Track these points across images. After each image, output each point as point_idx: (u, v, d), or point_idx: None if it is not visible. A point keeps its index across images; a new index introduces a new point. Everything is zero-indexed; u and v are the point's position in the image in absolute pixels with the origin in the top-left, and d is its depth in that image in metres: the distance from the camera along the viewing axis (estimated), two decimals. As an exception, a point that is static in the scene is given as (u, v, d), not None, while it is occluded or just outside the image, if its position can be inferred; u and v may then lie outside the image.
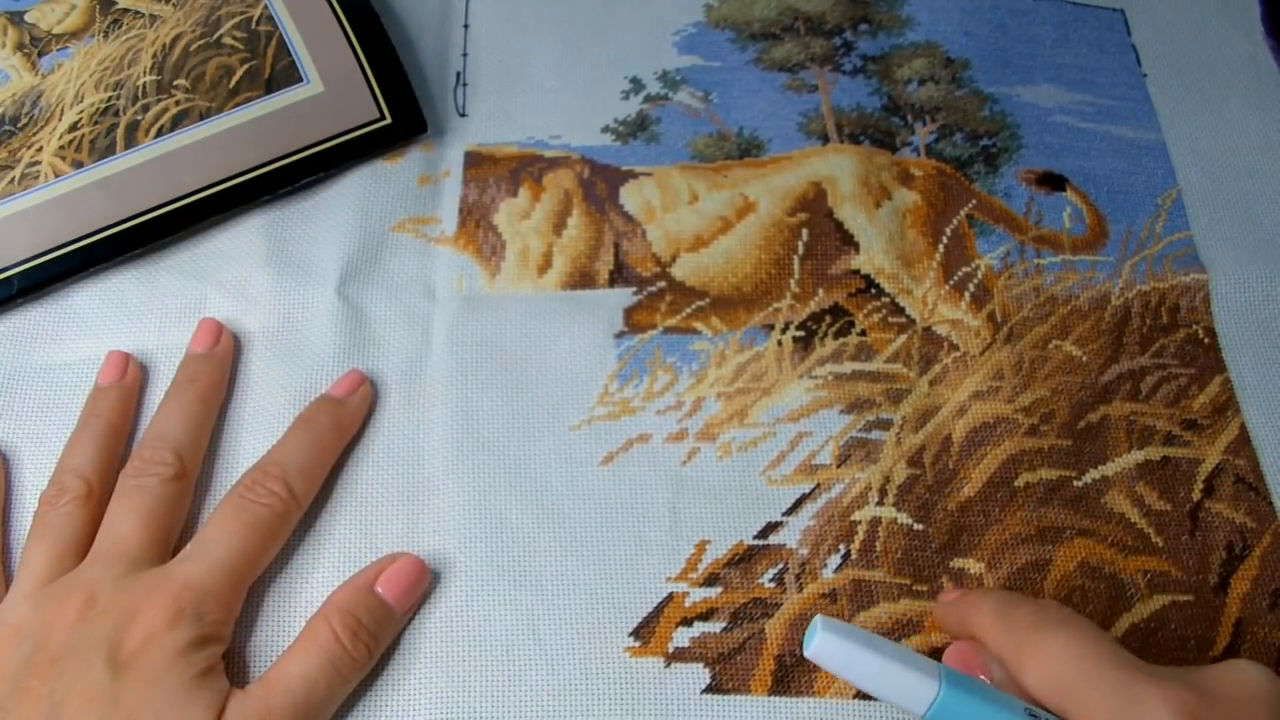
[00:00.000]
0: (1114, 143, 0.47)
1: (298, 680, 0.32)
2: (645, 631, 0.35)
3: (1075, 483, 0.39)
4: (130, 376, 0.39)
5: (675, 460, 0.39)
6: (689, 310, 0.42)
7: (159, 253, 0.43)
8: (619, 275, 0.43)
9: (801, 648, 0.32)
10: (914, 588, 0.37)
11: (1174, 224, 0.45)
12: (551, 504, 0.38)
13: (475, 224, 0.44)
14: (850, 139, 0.47)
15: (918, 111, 0.48)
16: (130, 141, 0.42)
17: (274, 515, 0.35)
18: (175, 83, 0.44)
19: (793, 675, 0.35)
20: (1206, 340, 0.42)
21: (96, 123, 0.43)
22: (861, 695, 0.34)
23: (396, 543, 0.37)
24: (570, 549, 0.37)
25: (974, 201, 0.45)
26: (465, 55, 0.49)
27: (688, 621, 0.36)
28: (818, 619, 0.30)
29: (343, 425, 0.38)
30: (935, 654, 0.35)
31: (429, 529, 0.37)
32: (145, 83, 0.44)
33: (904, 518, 0.38)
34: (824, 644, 0.30)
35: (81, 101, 0.43)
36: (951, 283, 0.43)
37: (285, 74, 0.44)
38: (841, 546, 0.37)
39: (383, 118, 0.44)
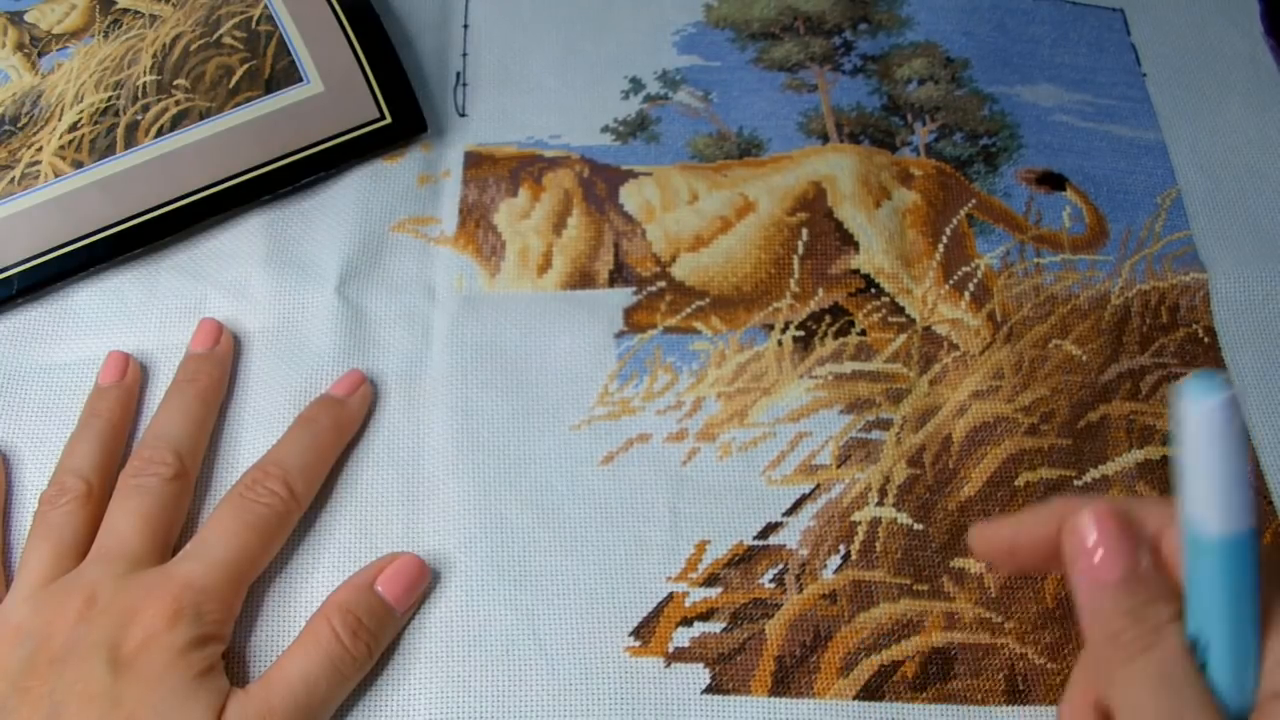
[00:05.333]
0: (1114, 142, 0.47)
1: (298, 679, 0.32)
2: (645, 631, 0.35)
3: (1075, 482, 0.39)
4: (130, 376, 0.39)
5: (675, 460, 0.39)
6: (689, 310, 0.42)
7: (159, 253, 0.43)
8: (619, 275, 0.43)
9: (1183, 400, 0.26)
10: (914, 588, 0.37)
11: (1174, 223, 0.45)
12: (551, 504, 0.38)
13: (475, 224, 0.44)
14: (850, 139, 0.47)
15: (917, 111, 0.48)
16: (130, 141, 0.42)
17: (274, 515, 0.35)
18: (175, 83, 0.44)
19: (793, 676, 0.35)
20: (1206, 340, 0.42)
21: (96, 123, 0.43)
22: (861, 696, 0.34)
23: (396, 543, 0.37)
24: (570, 549, 0.37)
25: (974, 201, 0.45)
26: (465, 55, 0.49)
27: (688, 621, 0.36)
28: (1215, 375, 0.26)
29: (343, 425, 0.38)
30: (934, 655, 0.35)
31: (429, 529, 0.37)
32: (145, 83, 0.44)
33: (904, 518, 0.38)
34: (1230, 410, 0.26)
35: (81, 101, 0.43)
36: (951, 282, 0.43)
37: (285, 74, 0.44)
38: (841, 547, 0.37)
39: (383, 118, 0.44)
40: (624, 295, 0.42)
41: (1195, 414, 0.26)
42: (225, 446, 0.38)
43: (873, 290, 0.43)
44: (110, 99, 0.43)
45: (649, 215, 0.44)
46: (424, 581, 0.35)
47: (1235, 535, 0.26)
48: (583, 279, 0.43)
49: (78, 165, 0.42)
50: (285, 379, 0.40)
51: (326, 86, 0.44)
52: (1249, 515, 0.26)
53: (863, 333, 0.42)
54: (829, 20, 0.50)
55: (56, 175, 0.42)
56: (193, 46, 0.45)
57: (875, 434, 0.39)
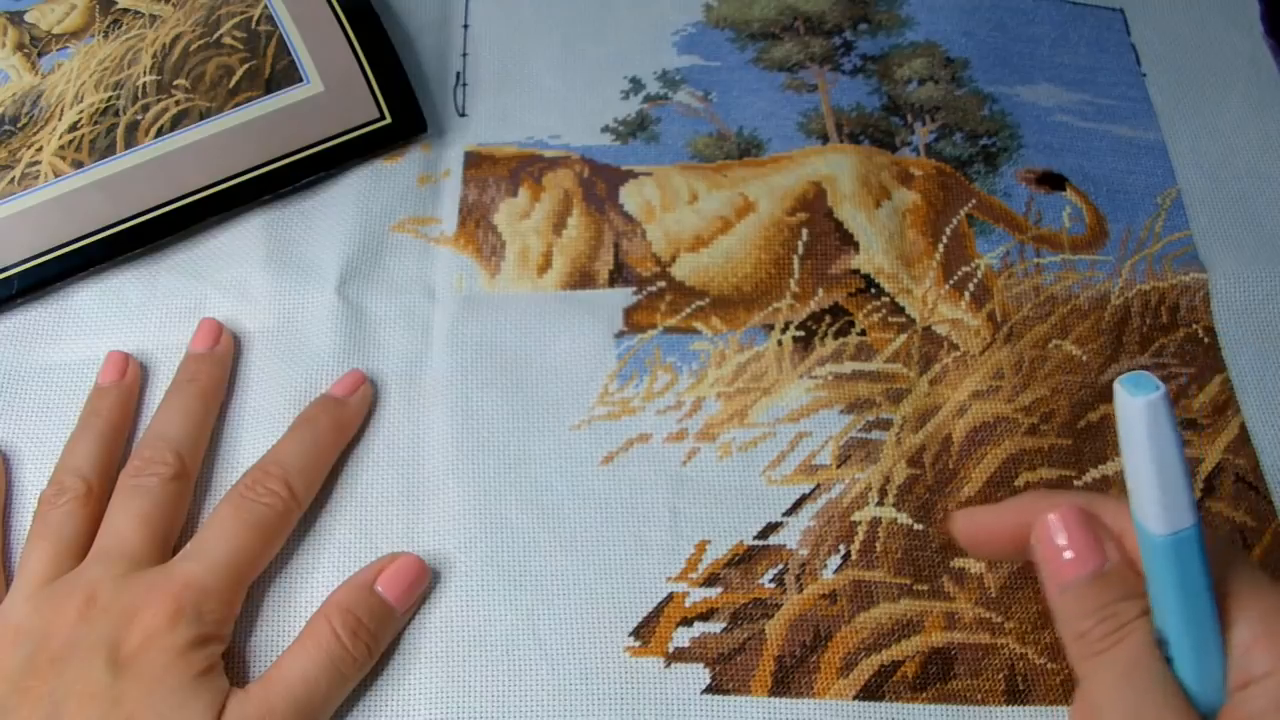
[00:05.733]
0: (1114, 142, 0.47)
1: (298, 679, 0.32)
2: (645, 631, 0.35)
3: (1076, 482, 0.39)
4: (130, 376, 0.39)
5: (675, 460, 0.39)
6: (689, 310, 0.42)
7: (159, 253, 0.43)
8: (619, 275, 0.43)
9: (1119, 394, 0.27)
10: (914, 588, 0.37)
11: (1174, 223, 0.45)
12: (551, 504, 0.38)
13: (475, 224, 0.44)
14: (850, 139, 0.47)
15: (917, 111, 0.48)
16: (130, 141, 0.42)
17: (274, 514, 0.35)
18: (175, 83, 0.44)
19: (793, 676, 0.35)
20: (1206, 340, 0.42)
21: (96, 123, 0.43)
22: (861, 696, 0.34)
23: (396, 543, 0.37)
24: (570, 549, 0.37)
25: (974, 201, 0.45)
26: (465, 55, 0.49)
27: (688, 621, 0.36)
28: (1149, 374, 0.27)
29: (343, 425, 0.38)
30: (934, 655, 0.35)
31: (429, 529, 0.37)
32: (145, 83, 0.44)
33: (904, 518, 0.38)
34: (1160, 406, 0.26)
35: (81, 101, 0.43)
36: (951, 282, 0.43)
37: (285, 74, 0.44)
38: (841, 547, 0.37)
39: (383, 118, 0.44)
40: (624, 295, 0.42)
41: (1127, 411, 0.26)
42: (225, 446, 0.38)
43: (873, 290, 0.43)
44: (110, 99, 0.43)
45: (649, 215, 0.44)
46: (424, 581, 0.35)
47: (1180, 534, 0.27)
48: (583, 279, 0.43)
49: (78, 165, 0.42)
50: (285, 379, 0.40)
51: (326, 86, 0.44)
52: (1190, 512, 0.27)
53: (863, 333, 0.42)
54: (829, 20, 0.50)
55: (56, 175, 0.42)
56: (193, 46, 0.45)
57: (875, 434, 0.39)
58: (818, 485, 0.38)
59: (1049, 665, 0.35)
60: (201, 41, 0.45)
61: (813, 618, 0.36)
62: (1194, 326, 0.42)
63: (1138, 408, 0.26)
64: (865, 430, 0.40)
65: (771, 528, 0.38)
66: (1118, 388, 0.26)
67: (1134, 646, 0.28)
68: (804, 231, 0.44)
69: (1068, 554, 0.29)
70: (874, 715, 0.34)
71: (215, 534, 0.34)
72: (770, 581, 0.36)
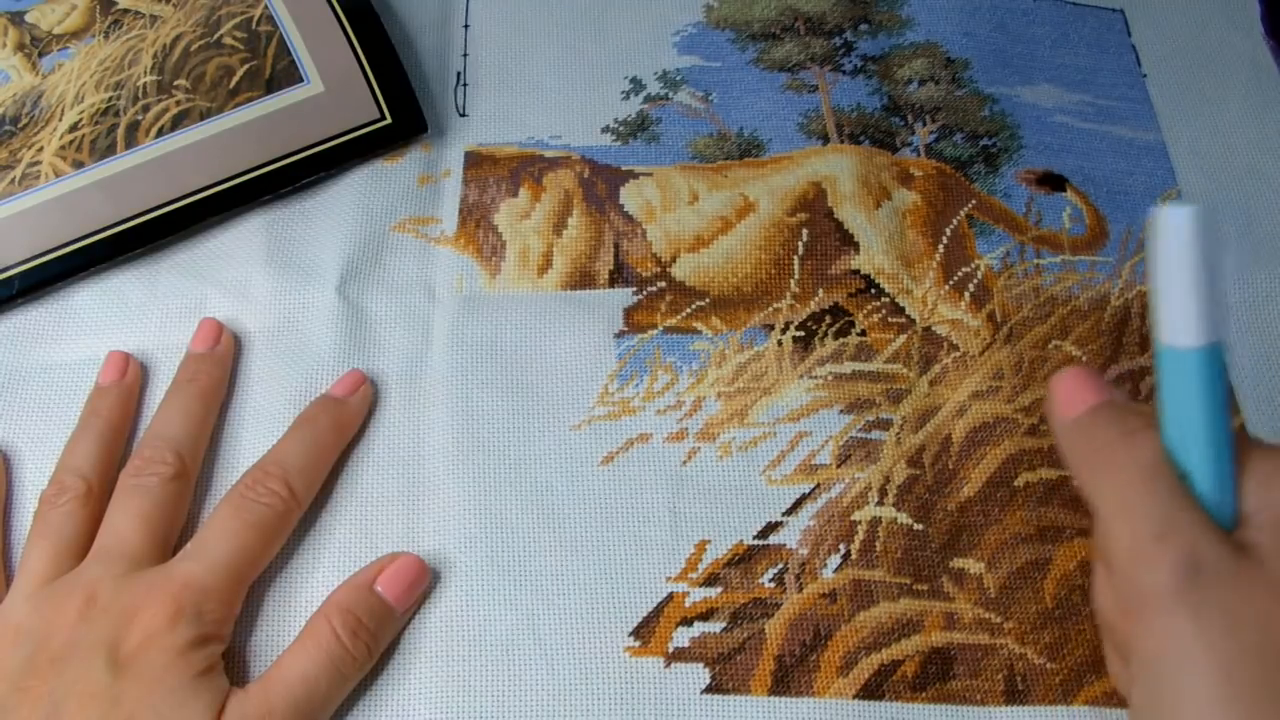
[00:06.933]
0: (1114, 143, 0.47)
1: (298, 679, 0.32)
2: (645, 631, 0.35)
3: (1075, 482, 0.39)
4: (130, 376, 0.39)
5: (675, 460, 0.39)
6: (689, 310, 0.42)
7: (159, 253, 0.43)
8: (619, 275, 0.43)
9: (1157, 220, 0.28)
10: (914, 587, 0.37)
11: (1174, 224, 0.45)
12: (551, 504, 0.38)
13: (475, 224, 0.44)
14: (850, 139, 0.47)
15: (918, 111, 0.48)
16: (130, 141, 0.42)
17: (274, 514, 0.35)
18: (175, 83, 0.44)
19: (793, 675, 0.35)
20: (1206, 340, 0.42)
21: (97, 123, 0.43)
22: (861, 695, 0.34)
23: (396, 543, 0.37)
24: (570, 549, 0.37)
25: (974, 201, 0.45)
26: (465, 55, 0.49)
27: (688, 621, 0.36)
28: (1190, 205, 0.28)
29: (343, 425, 0.38)
30: (934, 655, 0.35)
31: (429, 529, 0.37)
32: (145, 83, 0.44)
33: (904, 518, 0.38)
34: (1206, 216, 0.27)
35: (82, 101, 0.43)
36: (951, 283, 0.43)
37: (285, 74, 0.44)
38: (841, 546, 0.37)
39: (383, 118, 0.44)
40: (624, 295, 0.42)
41: (1172, 223, 0.27)
42: (225, 446, 0.38)
43: (873, 290, 0.43)
44: (111, 99, 0.43)
45: (649, 215, 0.44)
46: (424, 581, 0.36)
47: (1214, 345, 0.28)
48: (583, 279, 0.43)
49: (78, 165, 0.42)
50: (285, 379, 0.40)
51: (326, 86, 0.44)
52: (1223, 326, 0.28)
53: (863, 333, 0.42)
54: (829, 21, 0.50)
55: (57, 175, 0.42)
56: (193, 47, 0.45)
57: (875, 434, 0.39)
58: (818, 485, 0.38)
59: (1048, 665, 0.35)
60: (202, 42, 0.45)
61: (813, 617, 0.36)
62: (1194, 327, 0.42)
63: (1184, 216, 0.27)
64: (865, 430, 0.40)
65: (771, 527, 0.38)
66: (1160, 210, 0.28)
67: (1150, 449, 0.28)
68: (804, 232, 0.44)
69: (1075, 394, 0.31)
70: (874, 714, 0.34)
71: (215, 534, 0.34)
72: (770, 581, 0.37)
